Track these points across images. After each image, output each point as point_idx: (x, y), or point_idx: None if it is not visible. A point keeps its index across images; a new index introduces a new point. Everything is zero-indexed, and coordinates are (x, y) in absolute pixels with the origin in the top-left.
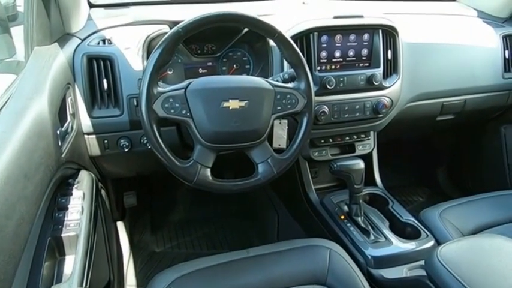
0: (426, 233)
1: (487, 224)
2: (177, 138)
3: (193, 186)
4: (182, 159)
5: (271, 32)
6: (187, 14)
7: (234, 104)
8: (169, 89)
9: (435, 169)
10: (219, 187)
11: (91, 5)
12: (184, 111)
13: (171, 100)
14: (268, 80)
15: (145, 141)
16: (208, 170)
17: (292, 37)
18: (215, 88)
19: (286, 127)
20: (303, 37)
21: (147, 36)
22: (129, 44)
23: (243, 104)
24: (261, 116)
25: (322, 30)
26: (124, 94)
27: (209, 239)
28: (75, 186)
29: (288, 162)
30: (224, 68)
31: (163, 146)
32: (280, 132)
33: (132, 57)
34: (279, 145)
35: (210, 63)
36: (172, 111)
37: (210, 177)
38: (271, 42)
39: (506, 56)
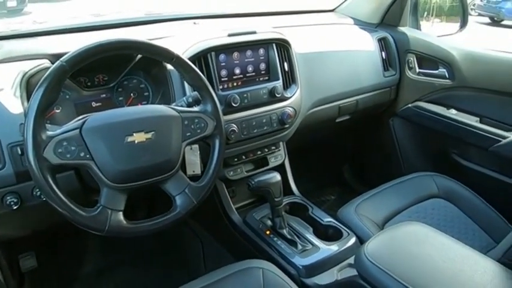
0: (347, 231)
1: (395, 211)
2: (77, 183)
3: (106, 235)
4: (87, 206)
5: (168, 56)
6: (69, 45)
7: (139, 137)
8: (61, 131)
9: (341, 167)
10: (136, 230)
11: None
12: (82, 154)
13: (64, 143)
14: (172, 106)
15: (38, 193)
16: (121, 213)
17: (190, 59)
18: (116, 123)
19: (198, 152)
20: (200, 58)
21: (24, 74)
22: (2, 84)
23: (149, 135)
24: (171, 146)
25: (219, 49)
26: (3, 143)
27: (131, 285)
28: None
29: (207, 189)
30: (121, 99)
31: (61, 196)
32: (193, 158)
33: (8, 99)
34: (194, 172)
35: (104, 95)
36: (68, 155)
37: (124, 222)
38: (169, 66)
39: (384, 57)
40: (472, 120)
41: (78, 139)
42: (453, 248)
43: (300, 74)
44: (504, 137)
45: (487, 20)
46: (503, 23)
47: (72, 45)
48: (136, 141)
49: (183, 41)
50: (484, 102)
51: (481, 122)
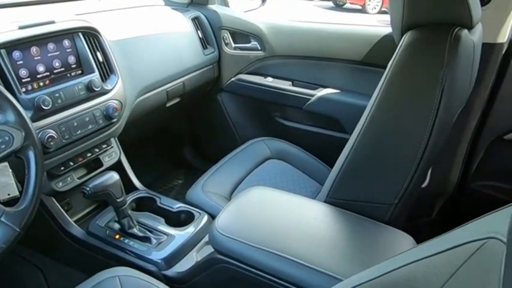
0: (198, 212)
1: (238, 181)
2: None
3: None
4: None
5: None
6: None
7: None
8: None
9: (182, 149)
10: None
11: None
12: None
13: None
14: None
15: None
16: None
17: None
18: None
19: (10, 170)
20: None
21: None
22: None
23: None
24: None
25: (10, 46)
26: None
27: None
28: None
29: (31, 211)
30: None
31: None
32: (4, 180)
33: None
34: (9, 195)
35: None
36: None
37: None
38: None
39: (200, 36)
40: (286, 85)
41: None
42: (289, 200)
43: (118, 62)
44: (312, 95)
45: None
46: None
47: None
48: None
49: None
50: (293, 67)
51: (293, 85)
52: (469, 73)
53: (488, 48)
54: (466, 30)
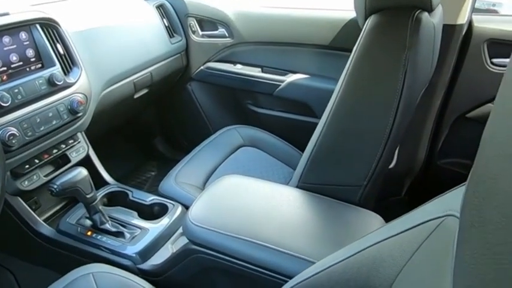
0: (172, 203)
1: (211, 170)
2: None
3: None
4: None
5: None
6: None
7: None
8: None
9: (153, 141)
10: None
11: None
12: None
13: None
14: None
15: None
16: None
17: None
18: None
19: None
20: None
21: None
22: None
23: None
24: None
25: None
26: None
27: None
28: None
29: None
30: None
31: None
32: None
33: None
34: None
35: None
36: None
37: None
38: None
39: (166, 24)
40: (256, 72)
41: None
42: (262, 187)
43: (80, 54)
44: (282, 81)
45: None
46: None
47: None
48: None
49: None
50: (261, 53)
51: (262, 71)
52: (430, 54)
53: (448, 30)
54: (426, 13)
